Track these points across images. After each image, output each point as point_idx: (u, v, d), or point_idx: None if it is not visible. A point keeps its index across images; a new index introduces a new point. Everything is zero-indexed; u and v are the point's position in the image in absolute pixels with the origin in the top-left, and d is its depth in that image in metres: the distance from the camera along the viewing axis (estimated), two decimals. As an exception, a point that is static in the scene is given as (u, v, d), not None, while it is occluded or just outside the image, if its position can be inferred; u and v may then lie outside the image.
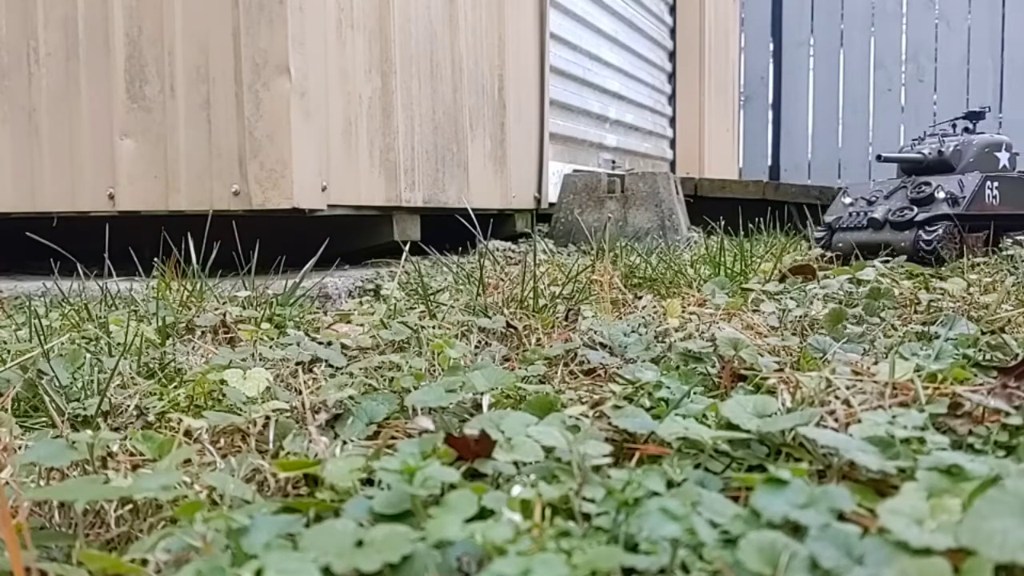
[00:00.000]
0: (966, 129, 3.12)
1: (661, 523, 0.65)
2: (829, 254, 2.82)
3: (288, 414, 1.09)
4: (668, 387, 1.11)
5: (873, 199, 2.84)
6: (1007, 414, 0.95)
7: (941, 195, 2.66)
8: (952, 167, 2.93)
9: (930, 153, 2.97)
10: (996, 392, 1.01)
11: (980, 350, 1.33)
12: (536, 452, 0.85)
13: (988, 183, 2.75)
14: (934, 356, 1.24)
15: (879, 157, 2.91)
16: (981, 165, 2.91)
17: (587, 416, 1.01)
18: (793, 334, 1.55)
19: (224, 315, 1.71)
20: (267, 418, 1.03)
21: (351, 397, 1.08)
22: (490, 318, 1.64)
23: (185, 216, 2.58)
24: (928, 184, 2.72)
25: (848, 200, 2.90)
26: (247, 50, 2.49)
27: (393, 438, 1.00)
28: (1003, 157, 3.02)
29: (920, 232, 2.62)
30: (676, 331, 1.49)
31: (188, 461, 0.92)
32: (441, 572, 0.63)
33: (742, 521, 0.66)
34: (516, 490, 0.72)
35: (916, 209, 2.66)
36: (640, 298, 2.14)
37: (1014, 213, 2.88)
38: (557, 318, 1.81)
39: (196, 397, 1.20)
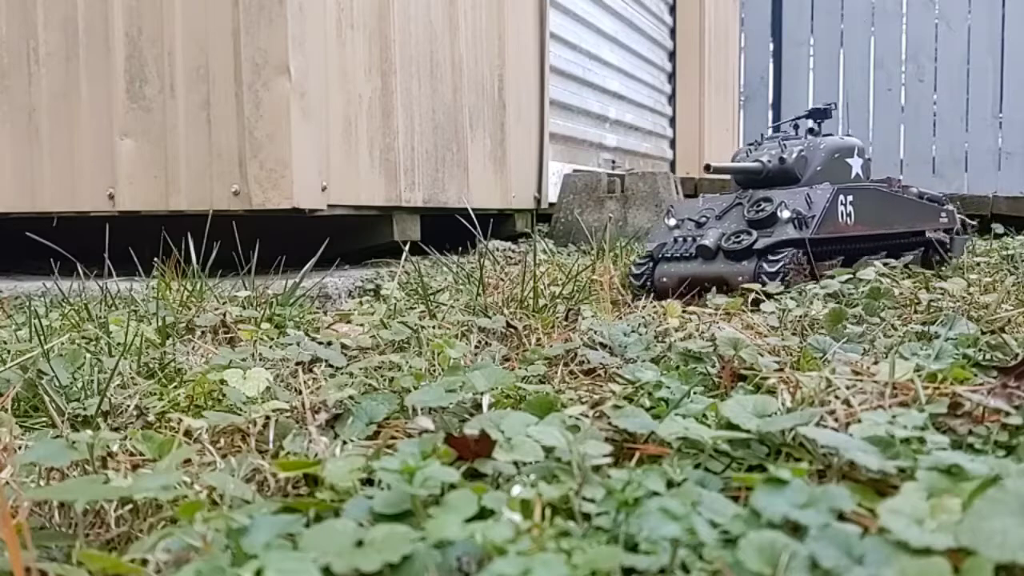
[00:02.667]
0: (811, 131, 2.58)
1: (661, 523, 0.65)
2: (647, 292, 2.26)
3: (288, 414, 1.09)
4: (668, 387, 1.11)
5: (703, 220, 2.25)
6: (1007, 414, 0.95)
7: (785, 214, 2.11)
8: (796, 177, 2.38)
9: (770, 161, 2.38)
10: (996, 392, 1.01)
11: (980, 350, 1.32)
12: (536, 452, 0.85)
13: (841, 198, 2.21)
14: (934, 356, 1.24)
15: (707, 167, 2.24)
16: (831, 174, 2.39)
17: (587, 416, 1.01)
18: (793, 334, 1.55)
19: (224, 315, 1.71)
20: (267, 418, 1.03)
21: (351, 397, 1.08)
22: (490, 318, 1.64)
23: (185, 216, 2.58)
24: (769, 201, 2.17)
25: (672, 222, 2.30)
26: (247, 50, 2.49)
27: (393, 438, 1.00)
28: (855, 164, 2.50)
29: (762, 263, 2.08)
30: (676, 331, 1.49)
31: (188, 461, 0.92)
32: (441, 572, 0.63)
33: (742, 521, 0.66)
34: (516, 490, 0.72)
35: (755, 233, 2.11)
36: (640, 298, 2.14)
37: (871, 234, 2.36)
38: (557, 318, 1.81)
39: (196, 397, 1.20)
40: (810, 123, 2.61)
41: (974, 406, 0.98)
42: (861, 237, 2.33)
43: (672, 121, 6.51)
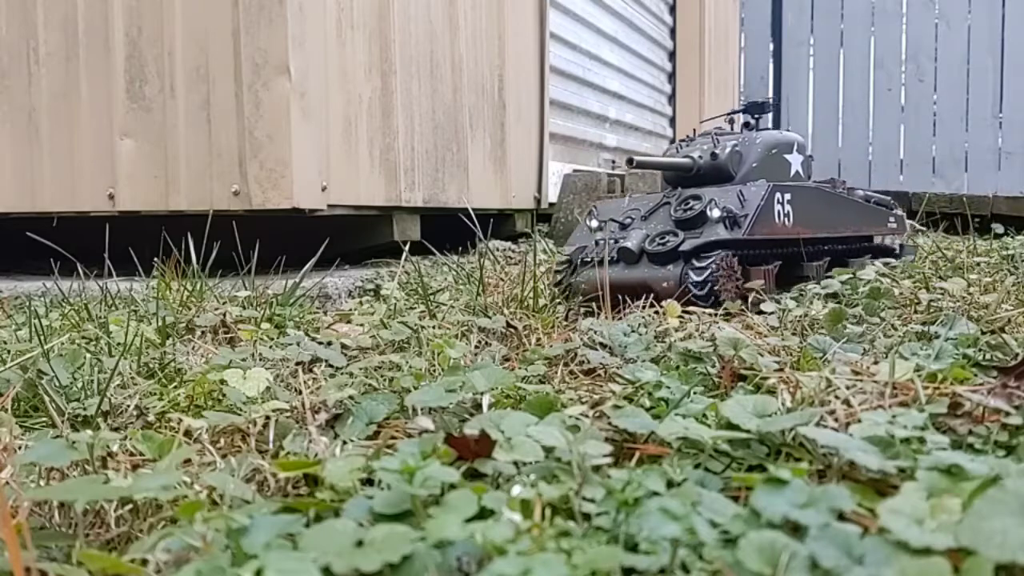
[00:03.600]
0: (747, 125, 2.34)
1: (661, 523, 0.65)
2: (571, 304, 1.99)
3: (288, 414, 1.09)
4: (668, 387, 1.11)
5: (628, 221, 2.04)
6: (1007, 414, 0.95)
7: (715, 213, 1.88)
8: (730, 174, 2.16)
9: (701, 156, 2.15)
10: (996, 392, 1.01)
11: (980, 350, 1.32)
12: (536, 452, 0.85)
13: (778, 196, 1.99)
14: (934, 356, 1.24)
15: (630, 161, 1.98)
16: (768, 171, 2.17)
17: (587, 416, 1.01)
18: (793, 334, 1.55)
19: (224, 315, 1.71)
20: (267, 418, 1.03)
21: (351, 397, 1.08)
22: (490, 318, 1.64)
23: (185, 216, 2.58)
24: (697, 199, 1.95)
25: (594, 223, 2.08)
26: (247, 50, 2.49)
27: (393, 438, 1.00)
28: (794, 161, 2.25)
29: (688, 268, 1.86)
30: (676, 331, 1.49)
31: (188, 461, 0.92)
32: (441, 572, 0.63)
33: (742, 521, 0.66)
34: (516, 490, 0.72)
35: (682, 234, 1.89)
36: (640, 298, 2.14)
37: (812, 237, 2.13)
38: (557, 318, 1.81)
39: (196, 397, 1.20)
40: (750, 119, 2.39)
41: (974, 406, 0.98)
42: (800, 240, 2.09)
43: (672, 121, 6.51)
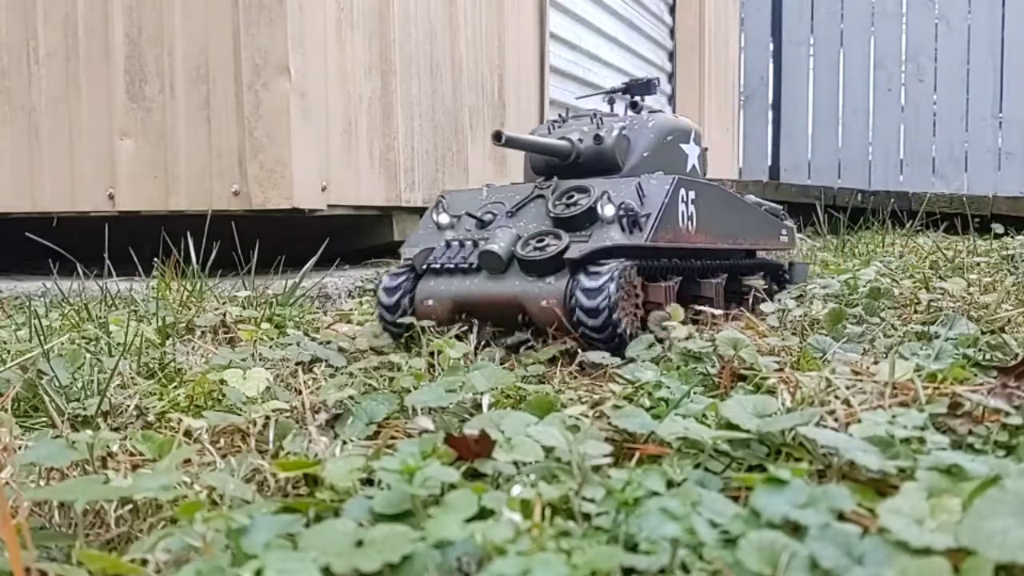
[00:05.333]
0: (634, 106, 1.89)
1: (661, 523, 0.65)
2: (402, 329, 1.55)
3: (288, 414, 1.09)
4: (668, 387, 1.11)
5: (489, 217, 1.59)
6: (1007, 414, 0.95)
7: (609, 211, 1.46)
8: (617, 164, 1.70)
9: (582, 140, 1.70)
10: (996, 392, 1.01)
11: (980, 350, 1.33)
12: (536, 452, 0.85)
13: (683, 193, 1.58)
14: (934, 356, 1.24)
15: (497, 136, 1.47)
16: (662, 163, 1.73)
17: (587, 416, 1.01)
18: (793, 334, 1.55)
19: (224, 315, 1.71)
20: (267, 418, 1.03)
21: (351, 397, 1.08)
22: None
23: (185, 216, 2.58)
24: (584, 192, 1.53)
25: (444, 218, 1.62)
26: (247, 50, 2.49)
27: (393, 438, 1.00)
28: (692, 153, 1.85)
29: (578, 281, 1.41)
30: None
31: (188, 461, 0.92)
32: (441, 572, 0.63)
33: (742, 521, 0.66)
34: (516, 490, 0.72)
35: (566, 237, 1.46)
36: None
37: (714, 248, 1.74)
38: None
39: (196, 397, 1.20)
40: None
41: (974, 406, 0.98)
42: (702, 252, 1.71)
43: (672, 121, 6.51)
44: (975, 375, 1.14)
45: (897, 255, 2.88)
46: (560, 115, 1.85)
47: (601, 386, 1.23)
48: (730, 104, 7.22)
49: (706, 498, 0.71)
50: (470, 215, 1.62)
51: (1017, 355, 1.28)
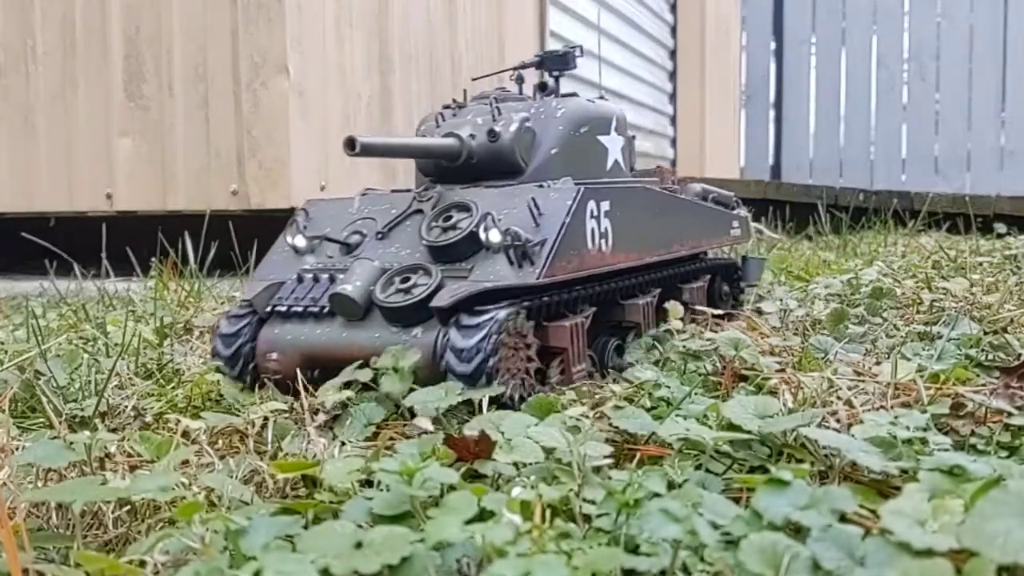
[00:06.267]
0: (542, 88, 1.56)
1: (662, 524, 0.65)
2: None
3: (287, 415, 1.08)
4: (668, 387, 1.11)
5: (356, 240, 1.32)
6: (1009, 414, 0.95)
7: (493, 238, 1.17)
8: (518, 165, 1.40)
9: (473, 135, 1.40)
10: (999, 392, 1.01)
11: (982, 350, 1.32)
12: (536, 453, 0.84)
13: (592, 206, 1.28)
14: (936, 356, 1.24)
15: (350, 145, 1.15)
16: (575, 161, 1.45)
17: (587, 417, 1.01)
18: (795, 334, 1.55)
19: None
20: (265, 419, 1.03)
21: (350, 398, 1.08)
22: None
23: (183, 216, 2.58)
24: (464, 210, 1.25)
25: (300, 241, 1.33)
26: (245, 49, 2.48)
27: (392, 439, 1.00)
28: (613, 146, 1.54)
29: (449, 336, 1.12)
30: (677, 331, 1.48)
31: (186, 462, 0.92)
32: (441, 574, 0.63)
33: (743, 522, 0.66)
34: (516, 491, 0.72)
35: (437, 273, 1.17)
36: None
37: (640, 264, 1.44)
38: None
39: (194, 398, 1.20)
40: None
41: (976, 406, 0.98)
42: (623, 272, 1.42)
43: (673, 120, 6.51)
44: (977, 375, 1.14)
45: (899, 255, 2.87)
46: (454, 101, 1.52)
47: (601, 386, 1.23)
48: (732, 103, 7.22)
49: (707, 499, 0.70)
50: (329, 239, 1.31)
51: (1020, 355, 1.27)
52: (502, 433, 0.88)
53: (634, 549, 0.64)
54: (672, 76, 6.49)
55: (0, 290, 2.44)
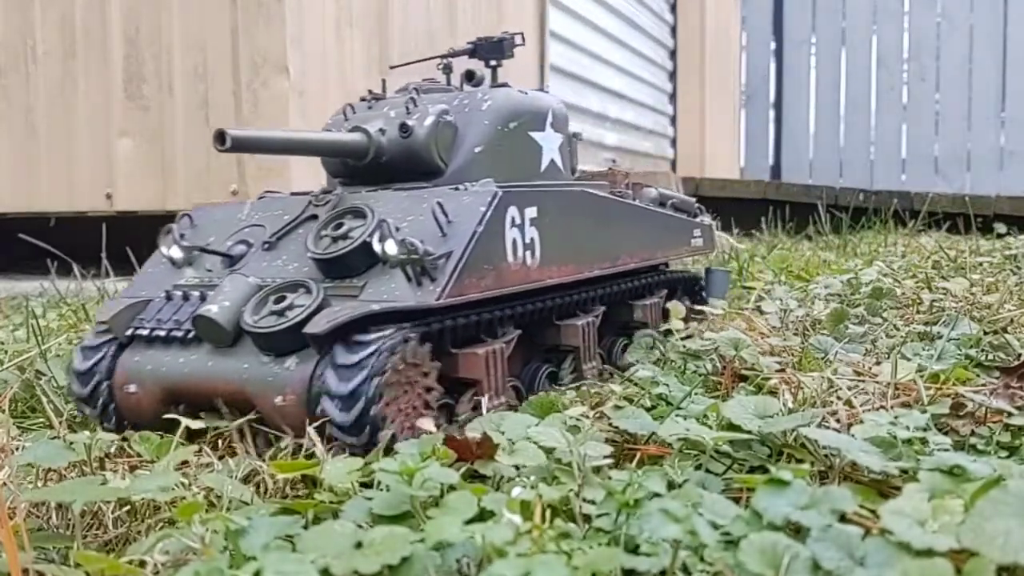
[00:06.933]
0: (469, 78, 1.40)
1: (662, 524, 0.65)
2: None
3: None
4: (667, 385, 1.11)
5: (240, 250, 1.16)
6: (1009, 414, 0.95)
7: (389, 249, 1.00)
8: (435, 165, 1.24)
9: (384, 130, 1.24)
10: (999, 392, 1.01)
11: (982, 350, 1.32)
12: (537, 456, 0.84)
13: (514, 212, 1.12)
14: (936, 356, 1.24)
15: (220, 138, 0.99)
16: (503, 161, 1.28)
17: (587, 417, 1.01)
18: (795, 334, 1.55)
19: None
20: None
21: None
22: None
23: (185, 215, 2.58)
24: (361, 217, 1.09)
25: (176, 253, 1.18)
26: (245, 49, 2.49)
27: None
28: (549, 143, 1.38)
29: (327, 368, 0.95)
30: (678, 332, 1.48)
31: (186, 462, 0.92)
32: (440, 574, 0.63)
33: (743, 522, 0.65)
34: (516, 491, 0.72)
35: (318, 291, 1.01)
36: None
37: (576, 280, 1.27)
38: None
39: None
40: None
41: (976, 406, 0.98)
42: (557, 289, 1.25)
43: (673, 120, 6.51)
44: (977, 375, 1.14)
45: (899, 255, 2.87)
46: (370, 92, 1.37)
47: (601, 386, 1.23)
48: (731, 103, 7.22)
49: (707, 499, 0.70)
50: (207, 250, 1.15)
51: (1020, 355, 1.27)
52: (502, 433, 0.88)
53: (634, 549, 0.64)
54: (672, 76, 6.49)
55: (0, 290, 2.45)
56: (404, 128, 1.22)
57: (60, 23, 2.74)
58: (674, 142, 6.55)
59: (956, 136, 7.21)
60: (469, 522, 0.66)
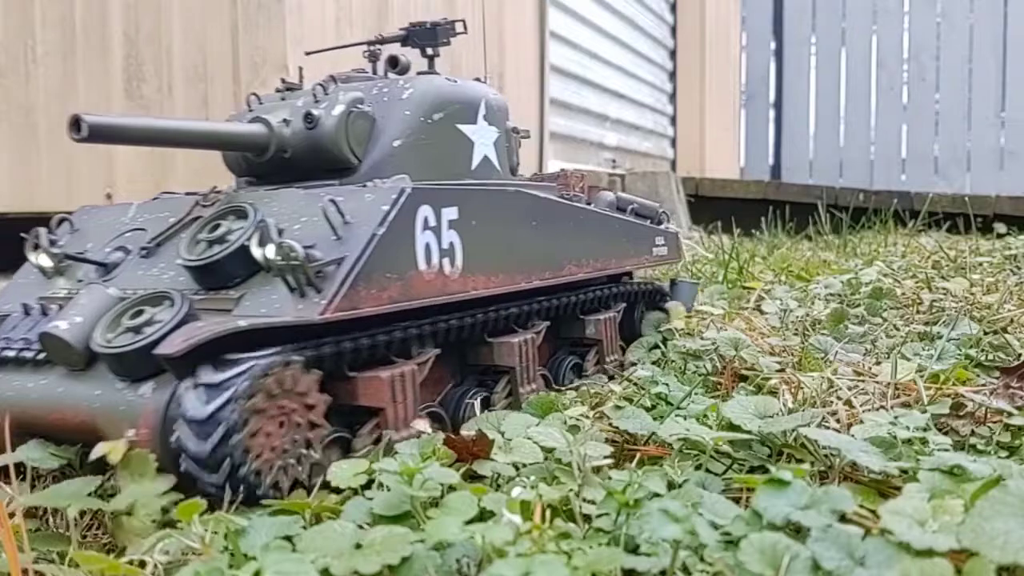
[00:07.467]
0: (393, 64, 1.28)
1: (662, 524, 0.65)
2: None
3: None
4: (667, 386, 1.11)
5: (118, 256, 1.06)
6: (1009, 414, 0.95)
7: (271, 253, 0.89)
8: (345, 160, 1.13)
9: (288, 121, 1.14)
10: (999, 392, 1.01)
11: (983, 350, 1.32)
12: (536, 454, 0.84)
13: (427, 212, 1.00)
14: (936, 356, 1.24)
15: (75, 126, 0.88)
16: (430, 155, 1.17)
17: (587, 417, 1.01)
18: (795, 334, 1.55)
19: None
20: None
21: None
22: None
23: (185, 215, 2.58)
24: (241, 217, 0.98)
25: (44, 260, 1.09)
26: (245, 48, 2.49)
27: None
28: (481, 137, 1.26)
29: (183, 404, 0.79)
30: (678, 332, 1.48)
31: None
32: (440, 574, 0.63)
33: (743, 522, 0.65)
34: (516, 491, 0.72)
35: (183, 306, 0.87)
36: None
37: (509, 291, 1.14)
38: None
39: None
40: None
41: (976, 407, 0.98)
42: (484, 301, 1.11)
43: (673, 120, 6.51)
44: (977, 375, 1.14)
45: (899, 255, 2.87)
46: (283, 81, 1.28)
47: (601, 386, 1.23)
48: (731, 103, 7.21)
49: (707, 499, 0.70)
50: (74, 258, 1.04)
51: (1020, 355, 1.27)
52: (501, 433, 0.89)
53: (634, 549, 0.64)
54: (672, 76, 6.49)
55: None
56: (309, 118, 1.09)
57: (60, 23, 2.74)
58: (674, 142, 6.55)
59: (956, 136, 7.21)
60: (469, 522, 0.66)
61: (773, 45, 7.69)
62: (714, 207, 4.67)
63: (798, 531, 0.64)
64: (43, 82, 2.82)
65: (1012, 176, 6.94)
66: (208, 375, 0.79)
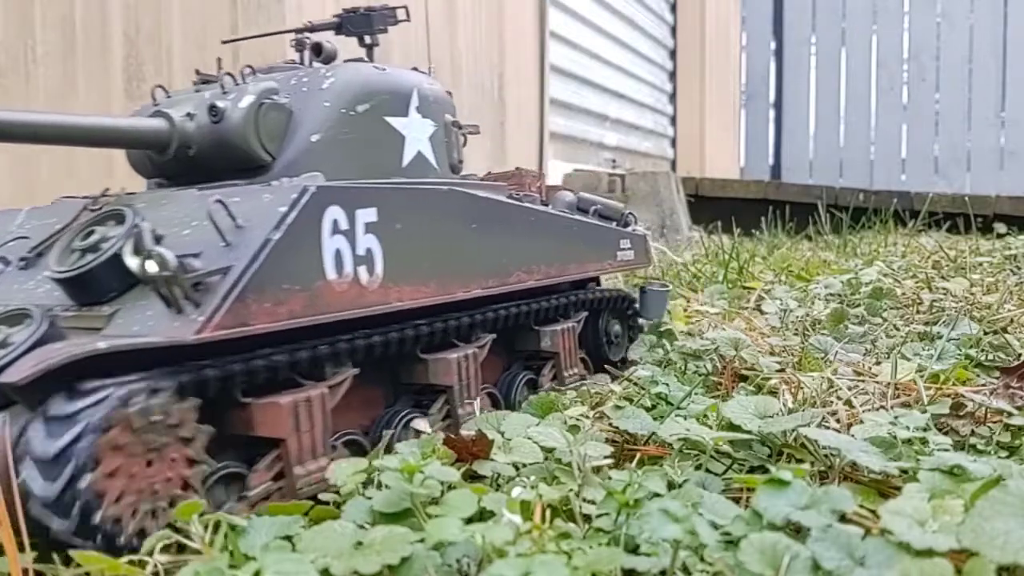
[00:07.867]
0: (317, 52, 1.19)
1: (662, 524, 0.65)
2: None
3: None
4: (667, 385, 1.11)
5: None
6: (1009, 414, 0.95)
7: (151, 267, 0.76)
8: (256, 157, 1.03)
9: (192, 115, 1.03)
10: (999, 392, 1.01)
11: (983, 350, 1.32)
12: (535, 453, 0.84)
13: (339, 213, 0.88)
14: (936, 356, 1.24)
15: None
16: (347, 154, 1.06)
17: (587, 417, 1.01)
18: (795, 334, 1.55)
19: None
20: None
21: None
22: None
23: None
24: (120, 222, 0.86)
25: None
26: (245, 49, 2.49)
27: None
28: (414, 133, 1.16)
29: (29, 440, 0.69)
30: (678, 332, 1.48)
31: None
32: (440, 574, 0.63)
33: (743, 522, 0.66)
34: (516, 491, 0.72)
35: (39, 323, 0.75)
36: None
37: (443, 302, 1.03)
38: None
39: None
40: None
41: (976, 406, 0.98)
42: (409, 314, 1.00)
43: (673, 120, 6.51)
44: (977, 375, 1.14)
45: (899, 255, 2.87)
46: (198, 72, 1.18)
47: (602, 386, 1.23)
48: (731, 103, 7.21)
49: (707, 499, 0.70)
50: None
51: (1020, 355, 1.27)
52: (501, 433, 0.89)
53: (634, 549, 0.64)
54: (672, 76, 6.49)
55: None
56: (214, 111, 0.99)
57: (60, 23, 2.74)
58: (674, 142, 6.55)
59: (956, 136, 7.21)
60: (469, 522, 0.66)
61: (773, 45, 7.69)
62: (714, 207, 4.67)
63: (798, 531, 0.64)
64: (43, 82, 2.82)
65: (1012, 176, 6.94)
66: (58, 406, 0.68)
